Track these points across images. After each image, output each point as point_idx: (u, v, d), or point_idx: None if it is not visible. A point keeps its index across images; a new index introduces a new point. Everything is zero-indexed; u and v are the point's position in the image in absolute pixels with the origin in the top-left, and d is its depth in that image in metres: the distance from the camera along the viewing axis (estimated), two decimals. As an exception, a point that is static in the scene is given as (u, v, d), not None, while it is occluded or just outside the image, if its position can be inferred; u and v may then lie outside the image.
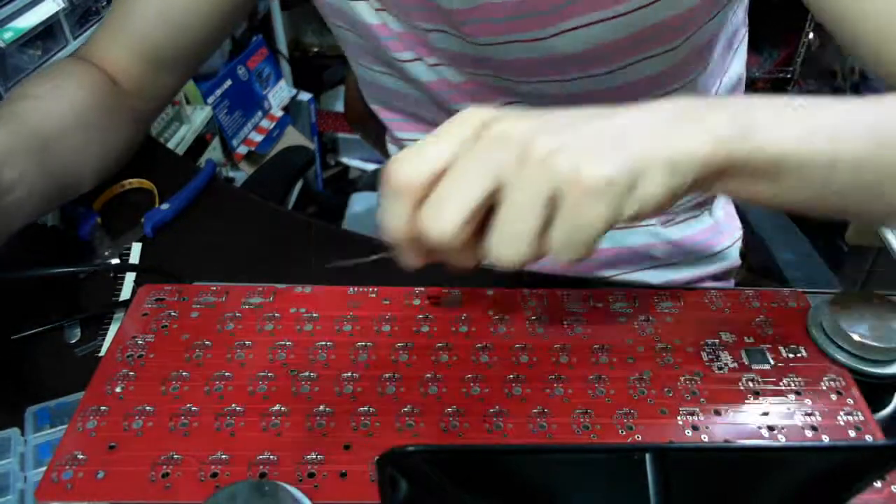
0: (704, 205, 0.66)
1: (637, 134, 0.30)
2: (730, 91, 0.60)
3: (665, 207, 0.31)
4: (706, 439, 0.35)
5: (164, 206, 0.56)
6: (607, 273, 0.64)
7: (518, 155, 0.29)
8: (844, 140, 0.33)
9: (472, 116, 0.31)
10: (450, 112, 0.58)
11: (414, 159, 0.30)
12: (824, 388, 0.37)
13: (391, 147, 0.71)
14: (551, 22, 0.47)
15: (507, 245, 0.30)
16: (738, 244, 0.69)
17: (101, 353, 0.43)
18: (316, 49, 1.96)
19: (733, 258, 0.68)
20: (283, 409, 0.36)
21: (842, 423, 0.35)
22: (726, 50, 0.56)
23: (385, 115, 0.66)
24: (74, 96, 0.53)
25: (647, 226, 0.62)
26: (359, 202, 1.02)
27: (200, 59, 0.62)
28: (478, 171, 0.29)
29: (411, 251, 0.32)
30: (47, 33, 1.04)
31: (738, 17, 0.56)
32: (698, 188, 0.31)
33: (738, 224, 0.70)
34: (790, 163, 0.32)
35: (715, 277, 0.67)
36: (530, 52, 0.49)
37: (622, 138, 0.30)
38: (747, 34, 0.60)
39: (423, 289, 0.44)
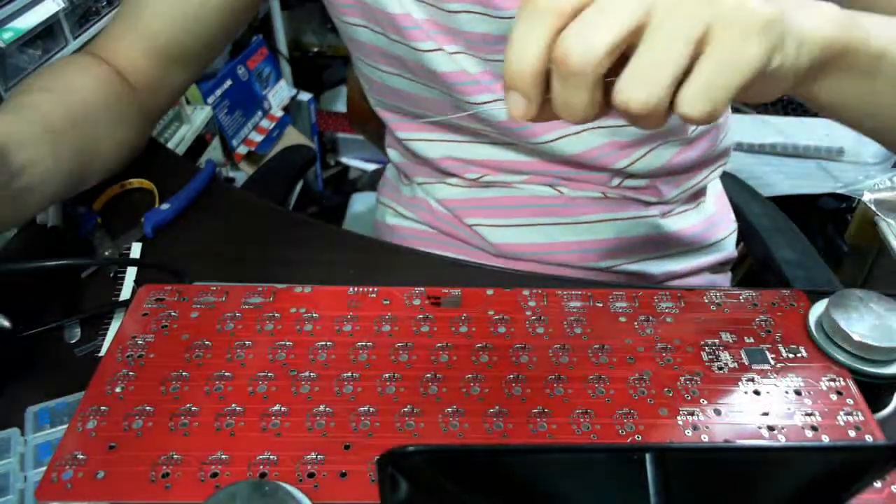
0: (699, 196, 0.68)
1: (784, 6, 0.29)
2: None
3: (785, 88, 0.31)
4: (706, 439, 0.35)
5: (164, 206, 0.56)
6: (608, 263, 0.65)
7: None
8: (888, 37, 0.35)
9: None
10: (463, 109, 0.58)
11: None
12: (824, 388, 0.37)
13: (391, 152, 0.71)
14: None
15: (644, 83, 0.27)
16: (734, 236, 0.71)
17: (101, 353, 0.43)
18: (316, 49, 1.96)
19: (729, 249, 0.70)
20: (283, 409, 0.36)
21: (842, 423, 0.35)
22: None
23: (387, 116, 0.66)
24: (83, 90, 0.53)
25: (646, 217, 0.63)
26: (359, 202, 1.02)
27: (210, 57, 0.63)
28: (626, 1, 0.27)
29: (532, 90, 0.29)
30: (47, 33, 1.04)
31: None
32: (809, 77, 0.33)
33: (732, 217, 0.73)
34: (888, 60, 0.34)
35: (713, 269, 0.69)
36: None
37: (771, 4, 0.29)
38: None
39: (423, 289, 0.44)
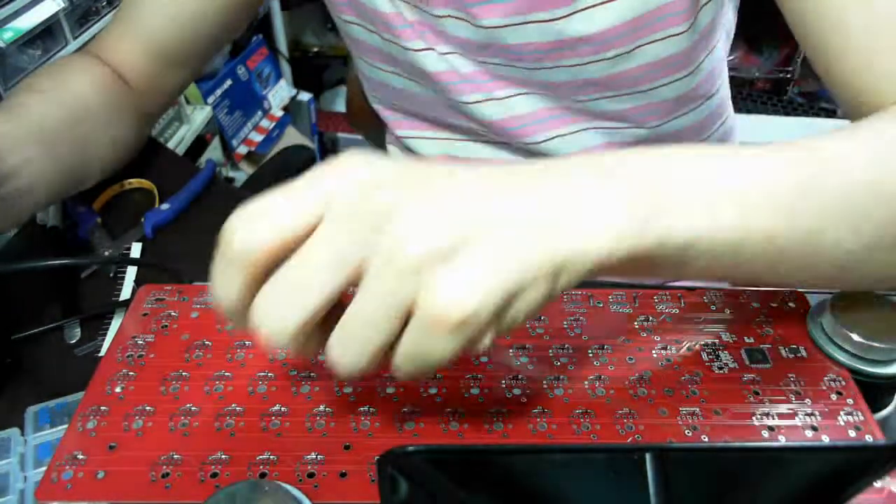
0: None
1: (526, 234, 0.26)
2: (724, 91, 0.61)
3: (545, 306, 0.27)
4: (706, 439, 0.35)
5: (164, 206, 0.56)
6: None
7: (384, 253, 0.25)
8: (755, 214, 0.30)
9: (343, 173, 0.26)
10: (456, 108, 0.58)
11: (258, 222, 0.25)
12: (824, 388, 0.37)
13: (391, 146, 0.71)
14: (566, 2, 0.48)
15: (349, 353, 0.26)
16: None
17: (101, 353, 0.43)
18: (316, 49, 1.96)
19: None
20: (283, 409, 0.36)
21: (842, 423, 0.35)
22: (725, 45, 0.57)
23: (386, 114, 0.66)
24: (81, 90, 0.53)
25: None
26: (359, 202, 1.02)
27: (208, 57, 0.63)
28: (331, 260, 0.25)
29: (240, 323, 0.28)
30: (47, 33, 1.04)
31: (730, 15, 0.57)
32: (589, 278, 0.28)
33: None
34: (698, 248, 0.29)
35: None
36: (544, 34, 0.49)
37: (508, 242, 0.25)
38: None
39: (423, 289, 0.44)
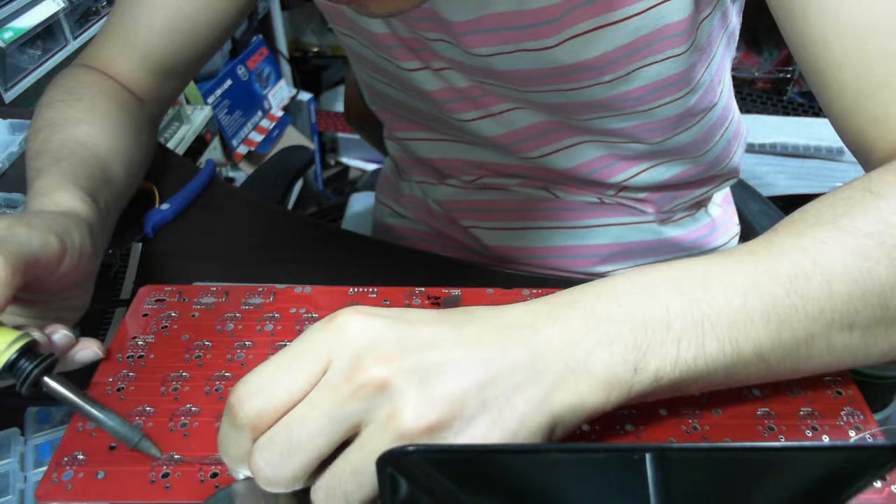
0: (702, 204, 0.66)
1: (522, 397, 0.28)
2: (728, 96, 0.60)
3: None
4: (706, 439, 0.35)
5: (164, 206, 0.56)
6: (605, 269, 0.64)
7: (380, 421, 0.27)
8: (742, 337, 0.30)
9: (340, 341, 0.28)
10: (453, 125, 0.57)
11: (261, 396, 0.27)
12: (824, 387, 0.37)
13: (389, 144, 0.71)
14: (555, 31, 0.47)
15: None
16: (735, 241, 0.70)
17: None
18: (316, 49, 1.96)
19: None
20: (283, 409, 0.36)
21: (842, 423, 0.35)
22: (726, 49, 0.56)
23: (384, 116, 0.66)
24: (109, 113, 0.54)
25: (645, 223, 0.63)
26: (359, 202, 1.02)
27: (203, 64, 0.63)
28: (325, 426, 0.27)
29: (238, 469, 0.30)
30: (47, 33, 1.04)
31: (734, 20, 0.55)
32: (626, 402, 0.30)
33: (735, 221, 0.71)
34: (690, 377, 0.30)
35: None
36: (534, 62, 0.49)
37: (504, 412, 0.27)
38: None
39: (423, 289, 0.44)
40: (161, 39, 0.57)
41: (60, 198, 0.43)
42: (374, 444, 0.26)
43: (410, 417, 0.26)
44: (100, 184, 0.47)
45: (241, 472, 0.29)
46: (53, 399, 0.34)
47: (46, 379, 0.34)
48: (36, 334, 0.35)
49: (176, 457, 0.34)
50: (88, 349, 0.38)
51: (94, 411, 0.34)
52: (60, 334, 0.37)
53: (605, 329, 0.29)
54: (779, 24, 0.41)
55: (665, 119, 0.53)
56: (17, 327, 0.35)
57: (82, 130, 0.50)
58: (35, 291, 0.38)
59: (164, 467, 0.33)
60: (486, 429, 0.27)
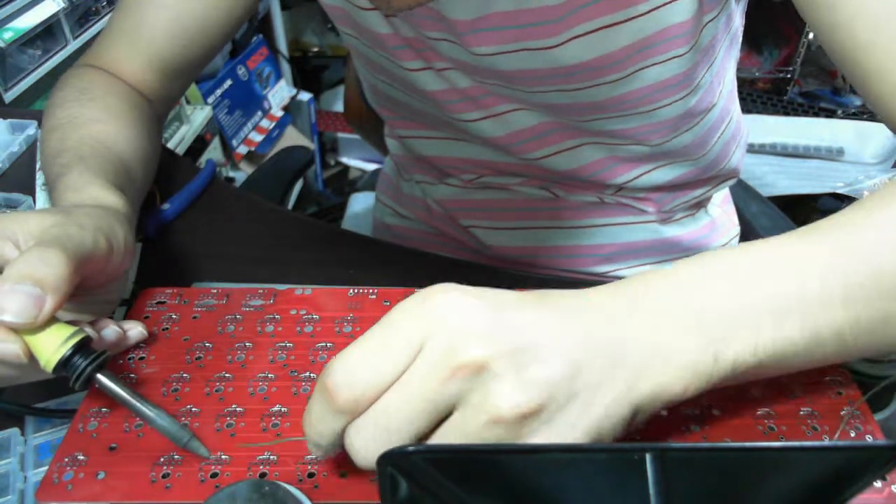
0: (701, 205, 0.67)
1: (609, 386, 0.28)
2: (728, 97, 0.60)
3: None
4: (706, 439, 0.35)
5: (164, 206, 0.56)
6: (606, 268, 0.64)
7: (475, 405, 0.27)
8: (819, 318, 0.30)
9: (435, 319, 0.28)
10: (455, 125, 0.57)
11: (357, 374, 0.27)
12: (824, 388, 0.37)
13: (390, 142, 0.70)
14: (558, 31, 0.47)
15: None
16: (735, 241, 0.70)
17: (102, 354, 0.43)
18: (316, 49, 1.96)
19: None
20: (283, 409, 0.36)
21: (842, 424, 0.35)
22: (728, 51, 0.56)
23: (385, 114, 0.66)
24: (123, 113, 0.54)
25: (646, 223, 0.63)
26: (359, 202, 1.02)
27: (206, 63, 0.63)
28: (423, 408, 0.27)
29: (328, 452, 0.30)
30: (47, 33, 1.04)
31: (737, 21, 0.55)
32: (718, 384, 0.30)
33: (735, 221, 0.71)
34: (769, 361, 0.30)
35: None
36: (536, 61, 0.48)
37: (593, 399, 0.28)
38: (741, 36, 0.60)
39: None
40: (167, 39, 0.57)
41: (97, 193, 0.43)
42: (468, 427, 0.27)
43: (507, 404, 0.26)
44: (125, 181, 0.47)
45: (324, 450, 0.29)
46: (52, 411, 0.34)
47: (99, 376, 0.34)
48: (88, 330, 0.35)
49: (176, 457, 0.34)
50: (134, 329, 0.39)
51: (145, 409, 0.34)
52: (110, 329, 0.38)
53: (685, 318, 0.29)
54: (802, 13, 0.41)
55: (666, 120, 0.53)
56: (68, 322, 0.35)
57: (100, 129, 0.50)
58: (83, 288, 0.38)
59: (164, 467, 0.33)
60: (573, 419, 0.27)
